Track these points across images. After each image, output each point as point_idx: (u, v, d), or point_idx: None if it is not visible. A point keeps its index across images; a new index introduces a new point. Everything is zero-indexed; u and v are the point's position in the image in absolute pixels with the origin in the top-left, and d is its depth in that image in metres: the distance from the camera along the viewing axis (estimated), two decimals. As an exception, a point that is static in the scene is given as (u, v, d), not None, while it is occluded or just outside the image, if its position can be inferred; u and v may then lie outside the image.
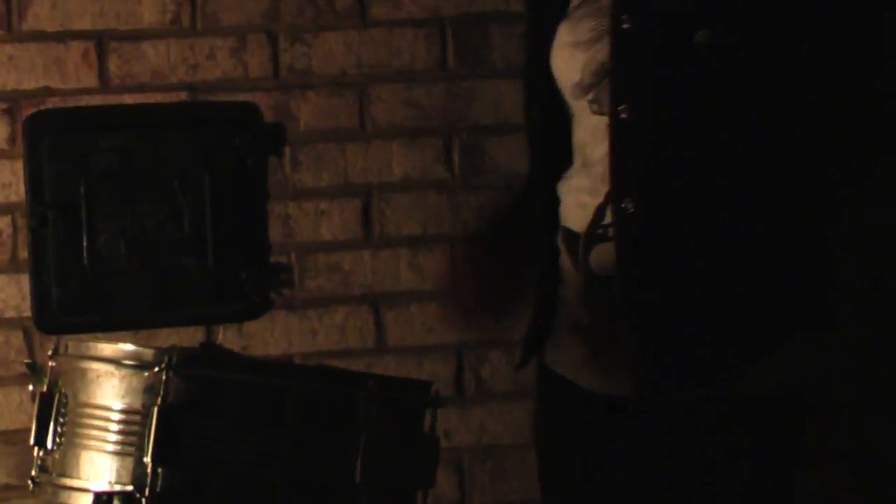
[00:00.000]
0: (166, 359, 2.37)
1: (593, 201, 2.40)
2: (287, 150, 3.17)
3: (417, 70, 3.25)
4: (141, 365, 2.40)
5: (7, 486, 3.11)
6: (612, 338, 2.41)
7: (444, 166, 3.34)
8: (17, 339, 3.16)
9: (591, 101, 2.39)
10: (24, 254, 3.07)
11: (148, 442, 2.35)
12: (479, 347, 3.28)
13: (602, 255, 2.41)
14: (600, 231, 2.39)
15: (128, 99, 3.19)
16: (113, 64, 3.20)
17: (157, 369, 2.36)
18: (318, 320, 3.32)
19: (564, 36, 2.43)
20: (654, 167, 2.36)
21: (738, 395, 2.38)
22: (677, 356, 2.38)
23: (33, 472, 2.46)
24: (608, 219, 2.39)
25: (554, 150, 2.54)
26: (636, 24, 2.33)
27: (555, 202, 2.51)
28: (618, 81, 2.34)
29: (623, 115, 2.33)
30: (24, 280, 3.02)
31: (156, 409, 2.35)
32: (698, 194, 2.36)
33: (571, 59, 2.42)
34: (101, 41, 3.19)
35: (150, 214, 3.06)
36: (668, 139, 2.35)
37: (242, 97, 3.17)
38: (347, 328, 3.33)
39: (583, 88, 2.40)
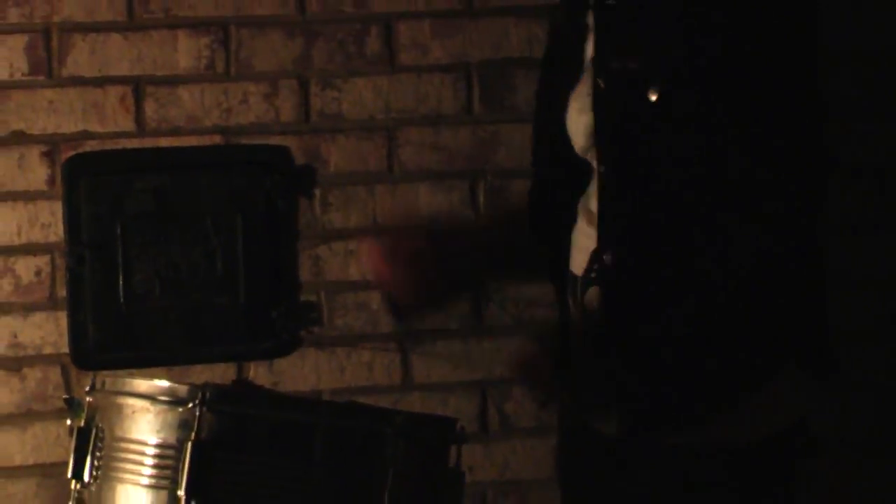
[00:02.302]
0: (199, 395, 2.35)
1: (592, 245, 2.47)
2: (317, 191, 3.22)
3: (444, 114, 3.30)
4: (175, 401, 2.39)
5: None
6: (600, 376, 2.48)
7: (471, 208, 3.37)
8: (55, 374, 3.20)
9: (591, 160, 2.48)
10: (61, 292, 3.11)
11: (181, 476, 2.33)
12: (502, 384, 3.30)
13: (594, 296, 2.47)
14: (593, 275, 2.46)
15: (163, 142, 3.24)
16: (149, 108, 3.25)
17: (190, 405, 2.34)
18: (346, 358, 3.35)
19: (573, 102, 2.52)
20: (628, 223, 2.44)
21: (720, 441, 2.41)
22: (652, 401, 2.41)
23: None
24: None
25: (562, 201, 2.61)
26: (608, 85, 2.42)
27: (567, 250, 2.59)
28: (598, 139, 2.44)
29: (602, 174, 2.43)
30: (62, 317, 3.07)
31: (189, 444, 2.33)
32: (669, 245, 2.41)
33: (577, 123, 2.50)
34: (137, 86, 3.24)
35: (183, 254, 3.09)
36: (639, 198, 2.43)
37: (274, 140, 3.21)
38: (375, 365, 3.36)
39: (586, 149, 2.48)
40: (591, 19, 2.54)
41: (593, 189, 2.51)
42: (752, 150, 2.41)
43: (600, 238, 2.47)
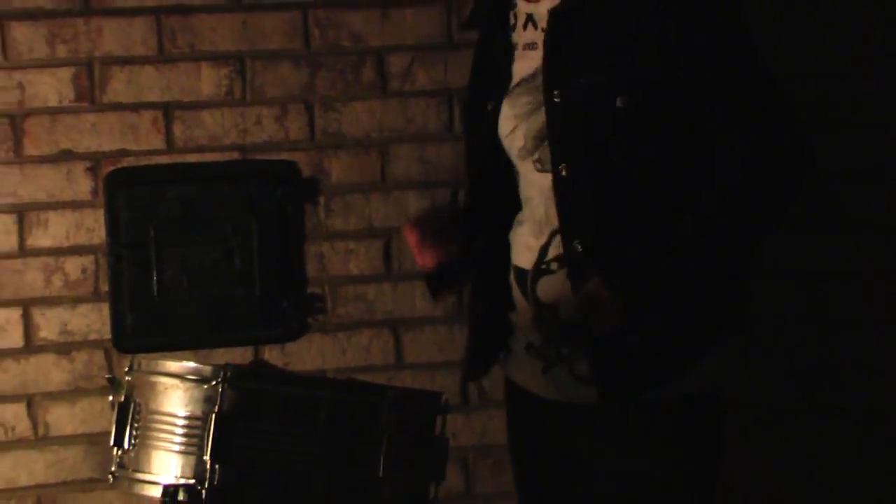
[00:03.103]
0: (221, 374, 2.59)
1: (537, 243, 2.63)
2: (321, 199, 3.40)
3: (429, 133, 3.47)
4: (201, 379, 2.61)
5: (92, 480, 3.35)
6: (558, 355, 2.64)
7: None
8: (99, 357, 3.40)
9: (535, 161, 2.62)
10: (104, 287, 3.31)
11: (206, 443, 2.56)
12: None
13: (546, 286, 2.63)
14: (544, 267, 2.62)
15: (189, 158, 3.42)
16: (177, 129, 3.44)
17: (214, 383, 2.58)
18: (347, 341, 3.54)
19: (507, 110, 2.67)
20: (594, 213, 2.57)
21: (669, 395, 2.59)
22: (630, 368, 2.58)
23: (113, 468, 2.67)
24: (550, 255, 2.61)
25: (493, 202, 2.78)
26: (564, 97, 2.57)
27: (504, 247, 2.73)
28: (555, 145, 2.57)
29: (563, 173, 2.55)
30: (104, 308, 3.25)
31: (213, 416, 2.55)
32: (631, 231, 2.57)
33: (516, 128, 2.65)
34: (167, 110, 3.44)
35: (207, 253, 3.20)
36: (603, 189, 2.57)
37: (284, 156, 3.40)
38: (372, 348, 3.55)
39: (528, 151, 2.63)
40: (517, 43, 2.70)
41: (533, 188, 2.67)
42: (702, 151, 2.55)
43: (563, 230, 2.59)
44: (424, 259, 2.75)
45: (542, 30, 2.64)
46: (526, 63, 2.65)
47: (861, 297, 3.62)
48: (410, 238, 2.76)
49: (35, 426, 3.40)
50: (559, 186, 2.57)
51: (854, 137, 3.59)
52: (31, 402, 3.39)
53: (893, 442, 3.62)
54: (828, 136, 3.01)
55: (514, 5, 2.69)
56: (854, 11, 3.60)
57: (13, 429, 3.37)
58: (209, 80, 3.48)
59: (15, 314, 3.38)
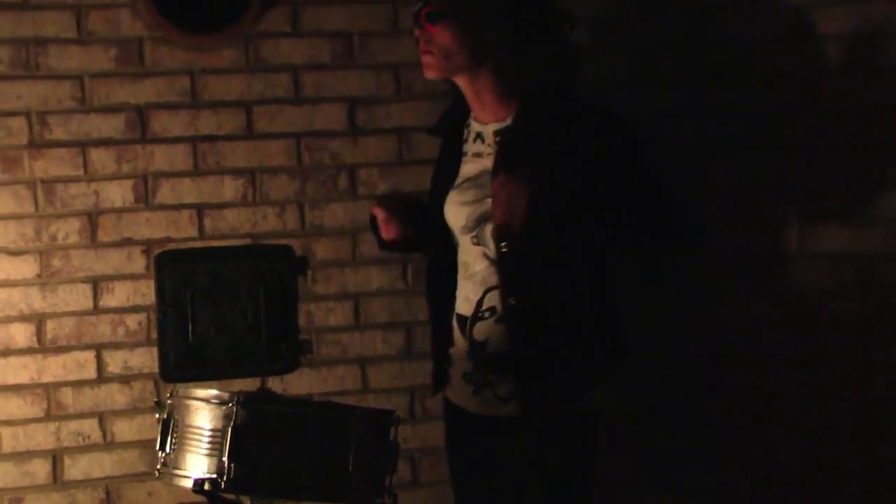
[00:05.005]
0: (236, 398, 2.72)
1: (475, 297, 2.83)
2: (309, 272, 3.45)
3: None
4: (221, 402, 2.74)
5: (144, 473, 3.62)
6: (485, 381, 2.86)
7: (403, 282, 3.86)
8: (150, 386, 3.69)
9: (472, 237, 2.83)
10: (153, 335, 3.52)
11: (225, 448, 2.71)
12: (423, 389, 3.57)
13: (479, 329, 2.83)
14: (479, 315, 2.84)
15: (215, 243, 3.69)
16: (207, 222, 3.73)
17: (230, 404, 2.73)
18: (327, 373, 3.81)
19: (454, 198, 2.87)
20: (525, 278, 2.75)
21: (571, 410, 2.78)
22: (544, 388, 2.76)
23: (158, 466, 2.83)
24: (484, 307, 2.81)
25: (444, 256, 2.91)
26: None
27: (450, 296, 2.89)
28: (498, 230, 2.74)
29: (504, 249, 2.76)
30: (154, 350, 3.28)
31: (230, 429, 2.71)
32: (550, 291, 2.74)
33: (460, 212, 2.85)
34: (200, 209, 3.73)
35: (228, 310, 3.13)
36: (532, 262, 2.75)
37: (283, 241, 3.59)
38: (345, 378, 3.83)
39: (468, 229, 2.83)
40: (467, 151, 2.87)
41: (470, 256, 2.81)
42: (599, 231, 2.72)
43: (503, 288, 2.74)
44: (388, 232, 2.86)
45: (489, 144, 2.80)
46: (472, 166, 2.84)
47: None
48: (378, 214, 2.86)
49: (104, 435, 3.65)
50: (501, 257, 2.74)
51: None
52: (101, 417, 3.65)
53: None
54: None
55: (469, 123, 2.86)
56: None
57: (89, 437, 3.65)
58: (230, 188, 3.74)
59: (91, 355, 3.65)
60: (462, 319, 2.83)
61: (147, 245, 3.67)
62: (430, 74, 2.85)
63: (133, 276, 3.67)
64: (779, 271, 3.48)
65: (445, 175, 2.87)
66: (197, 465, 2.74)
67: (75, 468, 3.64)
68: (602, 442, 2.86)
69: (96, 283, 3.64)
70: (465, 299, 2.82)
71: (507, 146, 2.71)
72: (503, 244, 2.69)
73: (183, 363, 3.07)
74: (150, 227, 3.69)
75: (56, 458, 3.62)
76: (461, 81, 2.83)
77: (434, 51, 2.82)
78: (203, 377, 3.05)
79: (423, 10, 2.82)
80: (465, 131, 2.86)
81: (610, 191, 2.61)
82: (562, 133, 2.65)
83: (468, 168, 2.83)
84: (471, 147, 2.84)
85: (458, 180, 2.83)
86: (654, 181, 2.67)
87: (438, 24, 2.79)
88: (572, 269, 2.73)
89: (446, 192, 2.84)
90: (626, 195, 2.62)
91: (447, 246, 2.85)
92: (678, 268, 3.53)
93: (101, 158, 3.62)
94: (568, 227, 2.65)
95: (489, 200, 2.70)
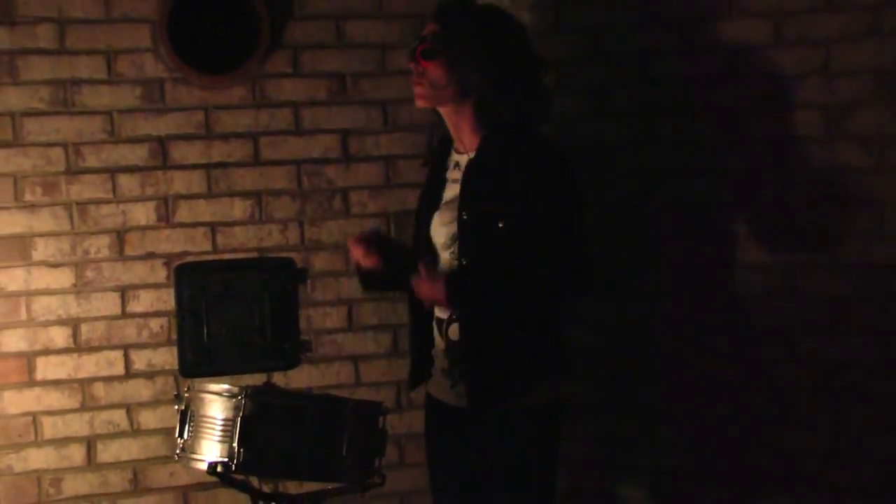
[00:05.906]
0: (245, 391, 2.89)
1: None
2: (309, 281, 3.72)
3: None
4: (231, 395, 2.91)
5: (166, 457, 3.86)
6: (460, 376, 3.03)
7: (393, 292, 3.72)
8: (171, 381, 3.91)
9: (450, 252, 3.00)
10: (173, 336, 3.55)
11: (235, 435, 2.88)
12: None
13: (454, 330, 3.01)
14: (454, 317, 3.02)
15: (226, 256, 3.88)
16: (220, 238, 3.95)
17: (240, 397, 2.90)
18: (325, 369, 4.01)
19: (436, 219, 3.05)
20: (480, 287, 2.89)
21: (524, 405, 2.93)
22: (492, 385, 2.93)
23: (177, 450, 3.03)
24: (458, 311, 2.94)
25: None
26: (469, 217, 2.92)
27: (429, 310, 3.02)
28: (462, 245, 2.93)
29: (464, 262, 2.94)
30: (174, 350, 3.40)
31: (239, 418, 2.88)
32: (501, 301, 2.88)
33: (440, 231, 3.02)
34: (213, 227, 3.95)
35: (238, 315, 3.26)
36: (484, 273, 2.90)
37: (286, 254, 3.76)
38: (340, 373, 4.03)
39: (446, 246, 3.01)
40: (448, 178, 3.01)
41: (448, 268, 2.98)
42: (540, 258, 2.87)
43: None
44: (367, 263, 3.00)
45: (463, 173, 2.98)
46: (451, 191, 3.02)
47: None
48: (356, 251, 2.98)
49: (132, 423, 3.89)
50: (461, 270, 2.96)
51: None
52: (129, 408, 3.89)
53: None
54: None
55: (451, 154, 3.05)
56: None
57: (118, 425, 3.89)
58: (239, 208, 3.97)
59: (119, 354, 3.87)
60: (440, 322, 3.05)
61: (168, 258, 3.91)
62: (421, 103, 3.06)
63: (156, 286, 3.91)
64: (718, 279, 3.75)
65: (430, 199, 3.09)
66: (211, 449, 2.93)
67: (107, 452, 3.88)
68: (561, 433, 3.04)
69: (124, 292, 3.87)
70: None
71: (467, 176, 2.95)
72: (463, 258, 2.96)
73: (198, 361, 3.23)
74: (171, 242, 3.92)
75: (90, 443, 3.87)
76: (445, 112, 3.05)
77: (425, 83, 3.04)
78: (216, 373, 3.22)
79: (418, 48, 3.03)
80: (448, 161, 3.08)
81: (531, 227, 2.80)
82: (510, 164, 2.85)
83: (448, 192, 3.05)
84: (451, 174, 3.06)
85: (441, 203, 3.05)
86: (568, 224, 2.83)
87: (431, 60, 3.00)
88: (522, 279, 2.90)
89: (430, 214, 3.05)
90: (540, 237, 2.81)
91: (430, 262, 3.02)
92: (625, 276, 3.83)
93: (128, 183, 3.85)
94: (517, 244, 2.87)
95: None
